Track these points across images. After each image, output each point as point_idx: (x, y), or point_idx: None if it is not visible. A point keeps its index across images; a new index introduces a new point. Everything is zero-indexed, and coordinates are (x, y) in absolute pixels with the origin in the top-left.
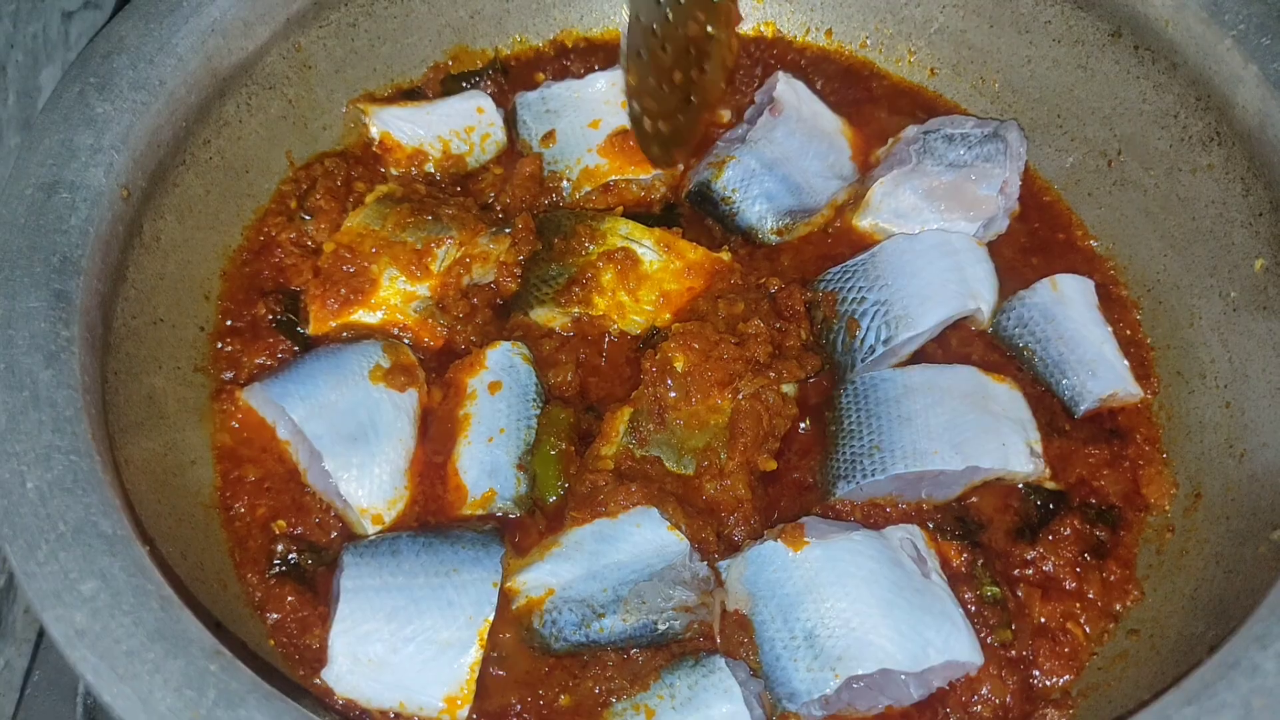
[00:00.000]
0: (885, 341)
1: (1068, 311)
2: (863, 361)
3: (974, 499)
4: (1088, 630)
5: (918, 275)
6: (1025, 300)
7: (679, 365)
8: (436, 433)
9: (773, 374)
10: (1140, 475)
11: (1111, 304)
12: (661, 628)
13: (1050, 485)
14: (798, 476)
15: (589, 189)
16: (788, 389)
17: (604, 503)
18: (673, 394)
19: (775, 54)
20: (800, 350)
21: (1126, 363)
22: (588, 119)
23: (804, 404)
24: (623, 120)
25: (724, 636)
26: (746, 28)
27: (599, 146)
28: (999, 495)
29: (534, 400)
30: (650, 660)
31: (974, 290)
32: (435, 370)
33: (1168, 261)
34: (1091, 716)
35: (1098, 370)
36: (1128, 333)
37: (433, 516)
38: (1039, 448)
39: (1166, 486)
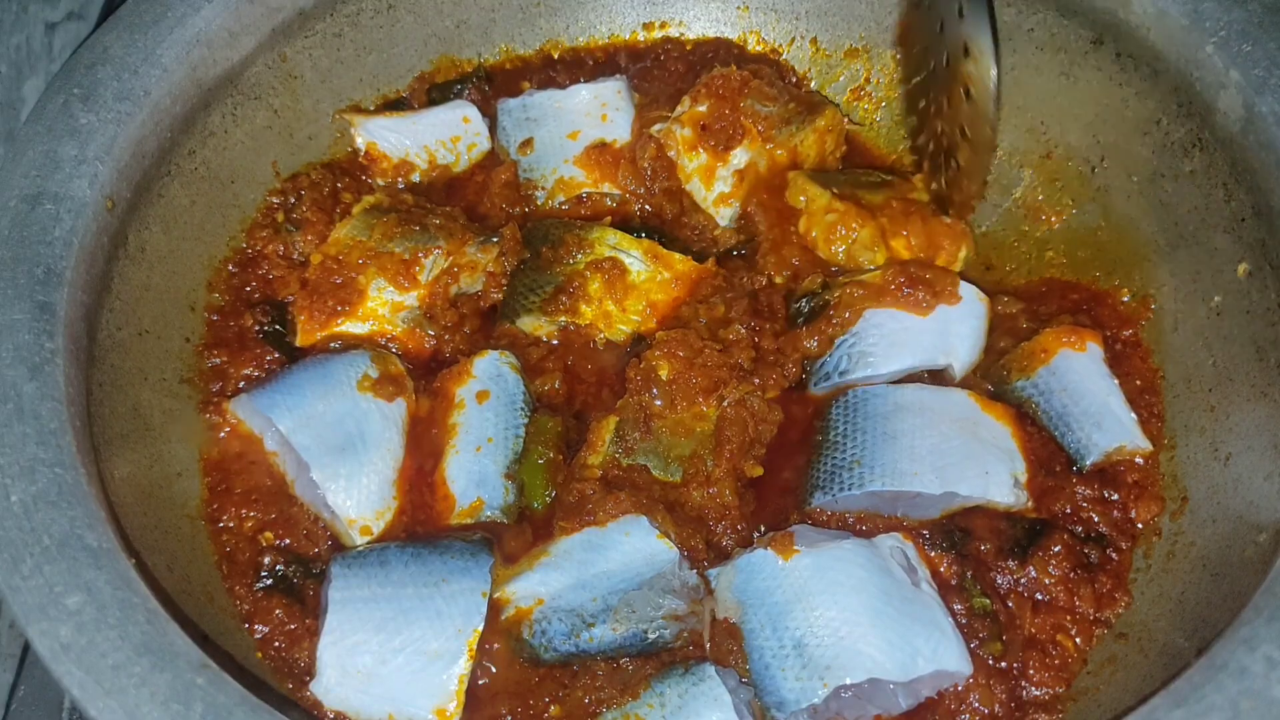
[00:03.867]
0: (841, 374)
1: (1071, 364)
2: (815, 386)
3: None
4: (1078, 642)
5: (897, 317)
6: None
7: (664, 373)
8: (425, 442)
9: (757, 380)
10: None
11: (1101, 308)
12: (651, 637)
13: (1033, 516)
14: (787, 480)
15: (563, 199)
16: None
17: (592, 512)
18: (658, 402)
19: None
20: (778, 350)
21: (1134, 416)
22: (567, 130)
23: (786, 406)
24: (602, 133)
25: (714, 644)
26: (732, 36)
27: (576, 158)
28: (987, 515)
29: (522, 409)
30: (640, 669)
31: (949, 346)
32: (424, 380)
33: (1151, 267)
34: None
35: (1103, 423)
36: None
37: (421, 526)
38: (1023, 479)
39: (1156, 509)
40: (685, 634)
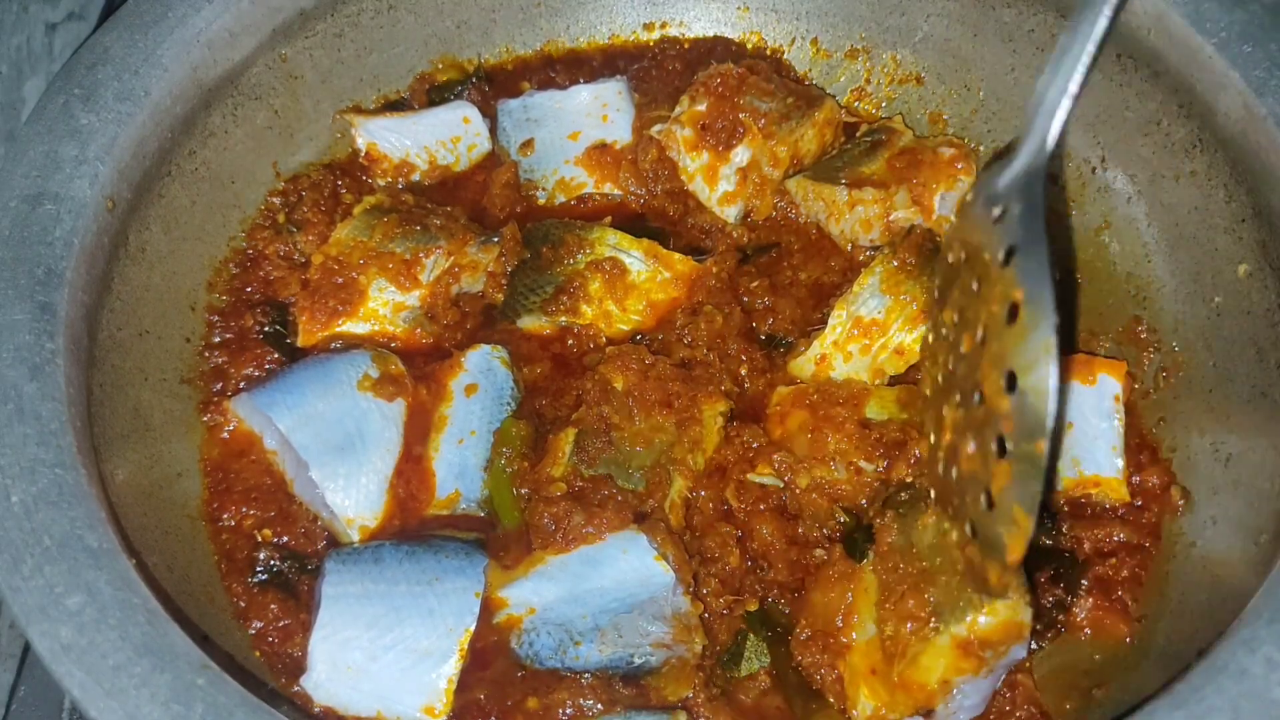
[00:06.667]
0: None
1: (1070, 398)
2: None
3: None
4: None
5: None
6: None
7: (618, 385)
8: (421, 429)
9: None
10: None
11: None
12: (637, 662)
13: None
14: None
15: (564, 200)
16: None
17: (569, 536)
18: (615, 415)
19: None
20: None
21: (1121, 464)
22: (568, 130)
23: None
24: (603, 134)
25: None
26: (733, 36)
27: (577, 158)
28: None
29: (508, 404)
30: (619, 692)
31: None
32: (422, 366)
33: (1152, 268)
34: None
35: (1081, 462)
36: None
37: (404, 514)
38: None
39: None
40: (673, 661)
